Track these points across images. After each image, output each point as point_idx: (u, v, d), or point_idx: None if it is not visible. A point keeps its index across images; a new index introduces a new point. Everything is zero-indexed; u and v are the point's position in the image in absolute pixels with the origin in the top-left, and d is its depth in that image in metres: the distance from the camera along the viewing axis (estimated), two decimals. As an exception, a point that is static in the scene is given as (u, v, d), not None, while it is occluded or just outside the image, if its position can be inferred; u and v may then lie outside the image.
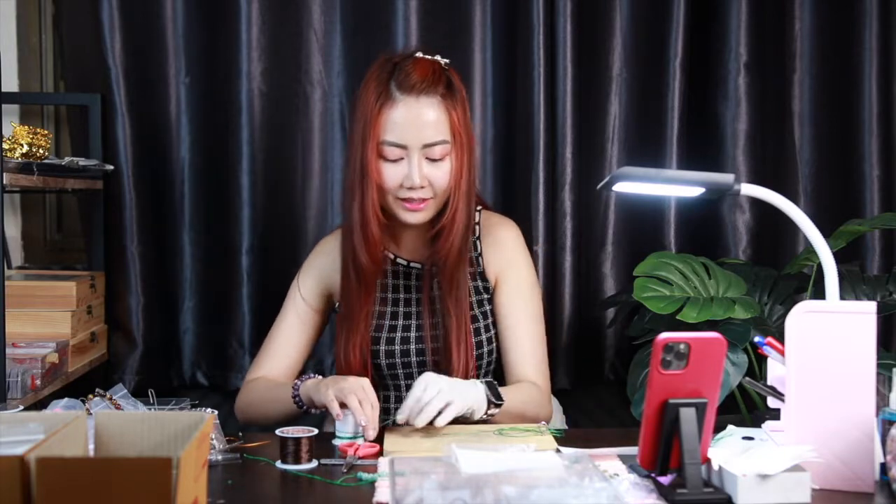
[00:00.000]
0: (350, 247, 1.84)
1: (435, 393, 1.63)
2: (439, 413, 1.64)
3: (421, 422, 1.63)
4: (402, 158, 1.79)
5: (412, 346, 1.88)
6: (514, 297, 1.92)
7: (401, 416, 1.65)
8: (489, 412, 1.73)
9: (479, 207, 1.97)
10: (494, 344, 1.92)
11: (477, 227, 1.94)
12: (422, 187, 1.79)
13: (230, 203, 2.42)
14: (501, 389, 1.77)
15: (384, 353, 1.88)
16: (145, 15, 2.41)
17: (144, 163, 2.43)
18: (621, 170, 1.55)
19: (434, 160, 1.79)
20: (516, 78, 2.44)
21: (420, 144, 1.78)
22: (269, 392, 1.87)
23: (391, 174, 1.79)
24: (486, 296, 1.93)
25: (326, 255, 1.96)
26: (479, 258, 1.93)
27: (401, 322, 1.91)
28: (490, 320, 1.92)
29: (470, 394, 1.69)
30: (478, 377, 1.87)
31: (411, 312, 1.91)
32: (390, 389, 1.92)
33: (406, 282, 1.93)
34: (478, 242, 1.94)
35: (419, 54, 1.85)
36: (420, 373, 1.81)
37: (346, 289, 1.88)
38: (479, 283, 1.92)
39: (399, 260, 1.93)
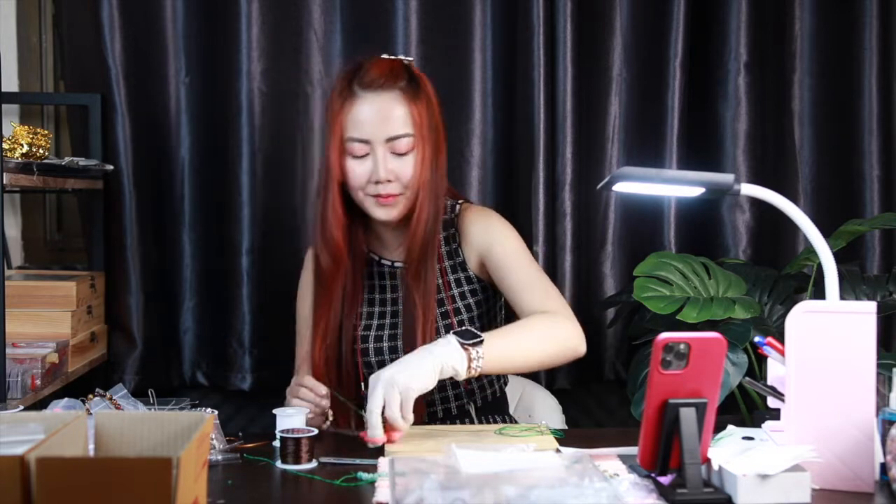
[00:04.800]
0: (315, 248, 1.90)
1: (377, 398, 1.57)
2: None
3: (375, 437, 1.57)
4: (367, 154, 1.82)
5: (399, 344, 1.89)
6: (505, 254, 1.88)
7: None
8: (473, 356, 1.63)
9: (459, 201, 1.98)
10: (477, 324, 1.90)
11: (455, 220, 1.95)
12: (389, 181, 1.81)
13: (230, 203, 2.42)
14: (492, 332, 1.72)
15: (373, 350, 1.89)
16: (145, 15, 2.41)
17: (144, 163, 2.43)
18: (621, 170, 1.56)
19: (399, 154, 1.82)
20: (516, 78, 2.44)
21: (383, 138, 1.80)
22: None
23: (358, 171, 1.82)
24: (467, 287, 1.92)
25: (312, 268, 1.99)
26: (459, 249, 1.93)
27: (388, 321, 1.92)
28: (475, 312, 1.91)
29: (424, 360, 1.62)
30: None
31: (398, 311, 1.92)
32: None
33: (392, 282, 1.94)
34: (456, 235, 1.94)
35: (384, 56, 1.89)
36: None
37: (315, 291, 1.93)
38: (461, 274, 1.92)
39: (384, 261, 1.95)
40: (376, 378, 1.60)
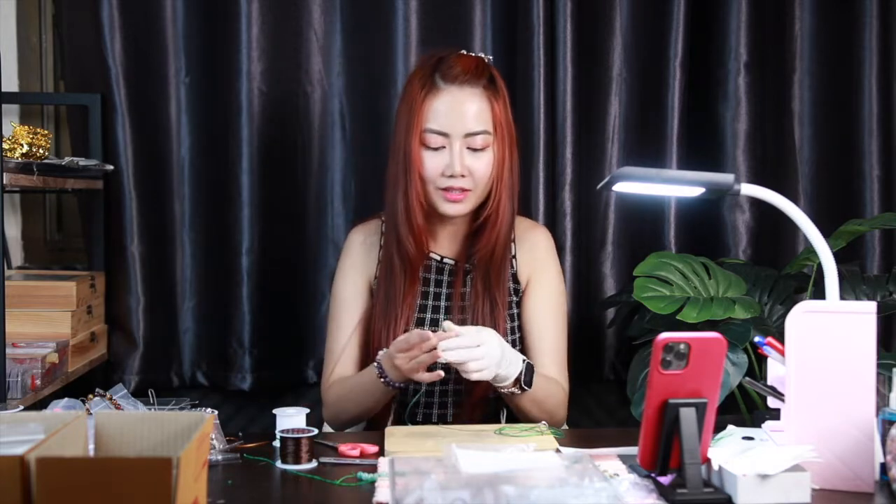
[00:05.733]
0: (395, 236, 1.88)
1: (479, 355, 1.64)
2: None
3: (446, 356, 1.63)
4: (443, 147, 1.83)
5: None
6: (543, 299, 1.95)
7: (443, 342, 1.64)
8: (511, 390, 1.74)
9: None
10: (518, 347, 1.92)
11: (511, 231, 1.96)
12: (462, 176, 1.83)
13: (230, 203, 2.41)
14: (537, 374, 1.79)
15: None
16: (145, 15, 2.40)
17: (144, 163, 2.42)
18: (621, 170, 1.56)
19: (475, 150, 1.84)
20: (516, 78, 2.44)
21: (462, 133, 1.82)
22: (355, 385, 1.87)
23: (432, 163, 1.84)
24: (515, 298, 1.94)
25: (360, 250, 1.98)
26: (514, 260, 1.96)
27: (429, 315, 1.92)
28: (517, 323, 1.93)
29: (506, 368, 1.70)
30: None
31: (440, 307, 1.92)
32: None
33: (438, 276, 1.94)
34: (512, 245, 1.96)
35: (463, 51, 1.91)
36: (445, 368, 1.83)
37: (388, 278, 1.90)
38: (511, 284, 1.94)
39: (433, 254, 1.95)
40: (487, 335, 1.67)
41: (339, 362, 1.92)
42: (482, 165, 1.84)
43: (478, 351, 1.64)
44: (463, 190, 1.84)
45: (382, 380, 1.76)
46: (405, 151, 1.84)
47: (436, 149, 1.83)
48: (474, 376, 1.65)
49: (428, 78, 1.84)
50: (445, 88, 1.83)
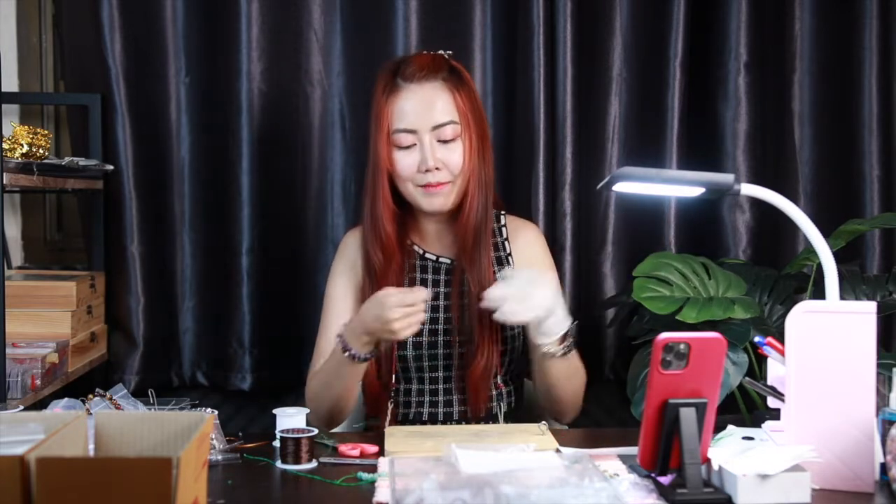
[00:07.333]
0: (364, 243, 1.89)
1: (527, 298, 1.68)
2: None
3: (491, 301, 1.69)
4: (414, 144, 1.84)
5: (440, 339, 1.88)
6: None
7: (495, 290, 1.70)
8: (555, 349, 1.76)
9: (502, 211, 2.00)
10: (518, 343, 1.91)
11: (504, 229, 1.97)
12: (437, 169, 1.84)
13: (230, 203, 2.41)
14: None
15: (412, 344, 1.88)
16: (145, 15, 2.41)
17: (144, 163, 2.42)
18: (621, 170, 1.56)
19: (446, 142, 1.84)
20: (516, 78, 2.44)
21: (429, 126, 1.83)
22: (325, 371, 1.84)
23: (406, 162, 1.85)
24: None
25: (353, 252, 1.97)
26: (510, 257, 1.96)
27: (429, 315, 1.91)
28: None
29: (554, 320, 1.73)
30: (500, 374, 1.89)
31: (439, 306, 1.92)
32: (413, 382, 1.91)
33: (435, 276, 1.94)
34: (507, 243, 1.96)
35: (424, 52, 1.94)
36: (447, 366, 1.83)
37: (365, 288, 1.90)
38: None
39: (428, 255, 1.95)
40: (545, 281, 1.72)
41: (320, 359, 1.92)
42: (455, 156, 1.85)
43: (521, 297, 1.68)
44: (441, 183, 1.84)
45: (346, 353, 1.74)
46: (375, 156, 1.86)
47: (407, 147, 1.85)
48: (510, 319, 1.69)
49: (389, 81, 1.87)
50: (406, 86, 1.85)
